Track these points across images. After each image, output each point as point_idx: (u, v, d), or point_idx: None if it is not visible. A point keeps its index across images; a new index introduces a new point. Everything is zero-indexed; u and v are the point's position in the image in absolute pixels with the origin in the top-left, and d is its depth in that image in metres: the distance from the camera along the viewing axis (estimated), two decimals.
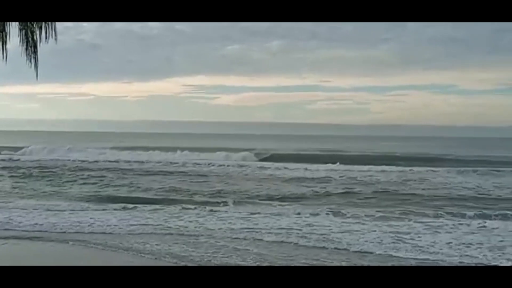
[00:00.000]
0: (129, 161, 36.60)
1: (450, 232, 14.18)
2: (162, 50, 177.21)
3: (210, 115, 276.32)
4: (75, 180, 26.44)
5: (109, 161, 36.48)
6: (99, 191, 22.87)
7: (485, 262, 11.30)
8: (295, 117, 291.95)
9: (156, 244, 12.87)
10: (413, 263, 11.24)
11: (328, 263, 11.22)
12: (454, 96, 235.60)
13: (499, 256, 11.74)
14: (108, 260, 11.43)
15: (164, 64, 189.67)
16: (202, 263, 11.11)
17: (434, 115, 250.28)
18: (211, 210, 17.51)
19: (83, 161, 36.11)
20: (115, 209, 17.76)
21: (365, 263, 11.20)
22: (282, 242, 13.12)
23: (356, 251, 12.25)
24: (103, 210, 17.69)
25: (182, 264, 11.12)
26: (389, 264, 11.17)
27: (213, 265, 11.02)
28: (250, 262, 11.28)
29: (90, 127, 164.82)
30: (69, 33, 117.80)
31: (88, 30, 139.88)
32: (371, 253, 12.11)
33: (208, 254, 11.92)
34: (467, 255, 11.80)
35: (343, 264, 11.16)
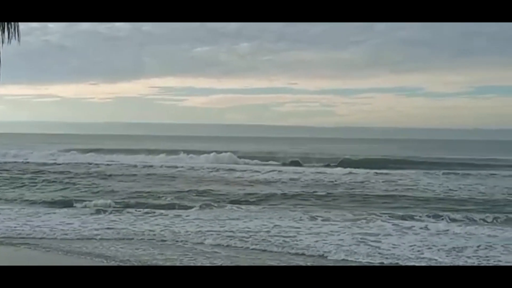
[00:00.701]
0: (93, 163, 35.97)
1: (418, 234, 14.17)
2: (130, 51, 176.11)
3: (178, 117, 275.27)
4: (35, 183, 25.64)
5: (73, 163, 35.79)
6: (61, 194, 22.20)
7: (436, 263, 11.23)
8: (264, 119, 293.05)
9: (121, 247, 12.54)
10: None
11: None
12: (421, 98, 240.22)
13: (454, 258, 11.66)
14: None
15: (132, 66, 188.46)
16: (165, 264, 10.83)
17: (401, 117, 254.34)
18: (176, 214, 17.09)
19: (44, 163, 35.26)
20: (78, 213, 17.29)
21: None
22: (248, 245, 12.94)
23: (311, 255, 11.97)
24: (65, 213, 17.20)
25: (179, 264, 10.94)
26: (388, 264, 11.11)
27: (212, 265, 10.85)
28: (218, 263, 11.08)
29: (56, 129, 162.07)
30: (35, 34, 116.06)
31: (54, 31, 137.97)
32: (325, 257, 11.86)
33: (174, 257, 11.65)
34: (424, 257, 11.69)
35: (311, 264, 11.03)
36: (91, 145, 59.67)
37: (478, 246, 12.57)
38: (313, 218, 16.37)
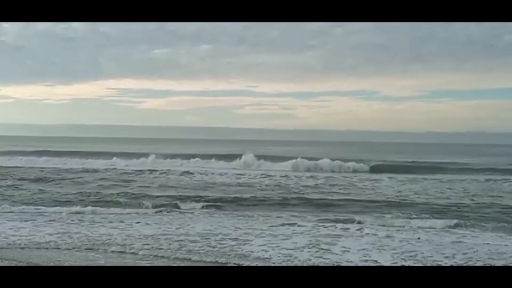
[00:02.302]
0: (43, 167, 34.91)
1: (376, 235, 14.12)
2: (87, 52, 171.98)
3: (136, 119, 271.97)
4: None
5: (19, 167, 34.56)
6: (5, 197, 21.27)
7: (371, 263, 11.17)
8: (224, 122, 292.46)
9: (77, 251, 12.12)
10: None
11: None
12: (377, 102, 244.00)
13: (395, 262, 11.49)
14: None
15: (89, 67, 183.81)
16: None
17: (359, 121, 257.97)
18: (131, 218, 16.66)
19: None
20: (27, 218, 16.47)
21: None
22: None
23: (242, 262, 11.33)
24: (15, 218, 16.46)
25: (181, 264, 10.81)
26: (388, 264, 11.01)
27: (212, 265, 10.69)
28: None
29: (10, 131, 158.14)
30: None
31: (10, 31, 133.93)
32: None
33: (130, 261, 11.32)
34: (370, 259, 11.52)
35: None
36: (43, 147, 58.12)
37: (428, 251, 12.34)
38: (276, 222, 16.14)
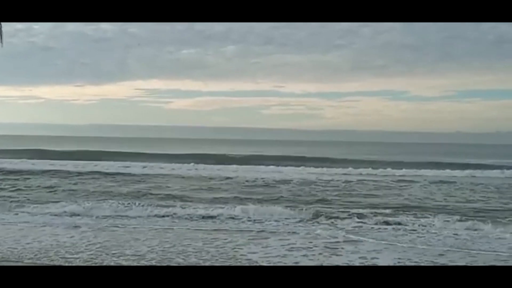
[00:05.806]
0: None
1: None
2: (115, 53, 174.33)
3: (164, 119, 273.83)
4: None
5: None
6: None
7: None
8: (250, 122, 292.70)
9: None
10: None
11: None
12: (405, 102, 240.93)
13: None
14: None
15: (117, 68, 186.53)
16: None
17: (386, 121, 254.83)
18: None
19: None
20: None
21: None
22: None
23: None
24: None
25: (181, 264, 10.84)
26: (388, 264, 10.98)
27: (213, 265, 10.72)
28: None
29: (39, 131, 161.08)
30: (20, 35, 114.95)
31: (40, 32, 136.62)
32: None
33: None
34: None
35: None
36: (65, 148, 58.73)
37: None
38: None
